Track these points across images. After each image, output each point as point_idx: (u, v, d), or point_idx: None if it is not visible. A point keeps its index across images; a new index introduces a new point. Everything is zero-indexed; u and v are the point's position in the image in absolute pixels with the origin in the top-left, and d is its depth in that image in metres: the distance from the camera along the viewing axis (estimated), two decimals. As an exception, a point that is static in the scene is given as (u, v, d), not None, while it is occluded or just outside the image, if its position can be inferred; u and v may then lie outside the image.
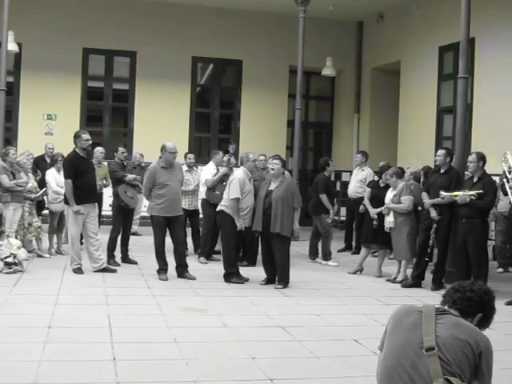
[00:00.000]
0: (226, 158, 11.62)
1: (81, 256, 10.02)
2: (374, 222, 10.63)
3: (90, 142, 10.13)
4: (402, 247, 10.28)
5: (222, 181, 11.43)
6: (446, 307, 3.55)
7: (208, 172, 11.56)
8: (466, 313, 3.50)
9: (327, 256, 11.82)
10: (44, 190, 11.32)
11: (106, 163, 12.25)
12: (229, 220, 9.72)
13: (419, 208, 10.59)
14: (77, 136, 10.03)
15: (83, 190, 9.80)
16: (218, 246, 11.90)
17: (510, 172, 9.27)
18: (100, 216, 11.70)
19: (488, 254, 9.75)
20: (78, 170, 9.83)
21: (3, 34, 13.04)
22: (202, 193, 11.62)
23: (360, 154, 13.85)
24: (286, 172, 12.06)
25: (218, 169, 11.65)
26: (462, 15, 9.99)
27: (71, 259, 9.99)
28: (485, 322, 3.57)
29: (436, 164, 10.22)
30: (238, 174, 9.87)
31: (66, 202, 9.95)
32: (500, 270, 11.53)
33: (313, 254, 12.10)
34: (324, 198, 11.66)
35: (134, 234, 13.99)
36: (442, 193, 9.40)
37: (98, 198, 10.58)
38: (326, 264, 11.67)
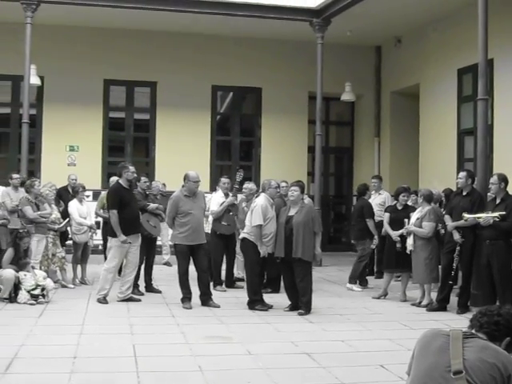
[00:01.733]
0: (232, 187, 11.63)
1: (111, 287, 10.06)
2: (398, 245, 10.59)
3: (135, 174, 10.28)
4: (420, 271, 10.22)
5: (228, 211, 11.44)
6: (473, 331, 3.53)
7: (216, 201, 11.46)
8: (494, 337, 3.48)
9: (353, 279, 11.79)
10: (67, 220, 11.41)
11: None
12: (252, 247, 9.72)
13: (442, 231, 10.52)
14: (124, 167, 10.15)
15: (128, 221, 9.88)
16: (241, 273, 11.92)
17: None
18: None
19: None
20: (122, 200, 9.91)
21: (26, 68, 13.27)
22: (210, 223, 11.53)
23: (377, 179, 13.89)
24: (308, 198, 12.12)
25: (226, 195, 11.61)
26: (480, 37, 9.99)
27: (100, 288, 10.00)
28: None
29: (458, 186, 10.17)
30: (260, 200, 9.87)
31: (111, 233, 9.99)
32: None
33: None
34: (371, 223, 11.68)
35: (166, 264, 14.05)
36: (465, 215, 9.35)
37: (139, 229, 10.58)
38: (351, 288, 11.62)
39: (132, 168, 10.15)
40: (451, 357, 3.34)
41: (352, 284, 11.74)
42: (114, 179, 11.39)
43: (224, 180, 11.82)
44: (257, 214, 9.64)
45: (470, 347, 3.36)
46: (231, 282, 11.63)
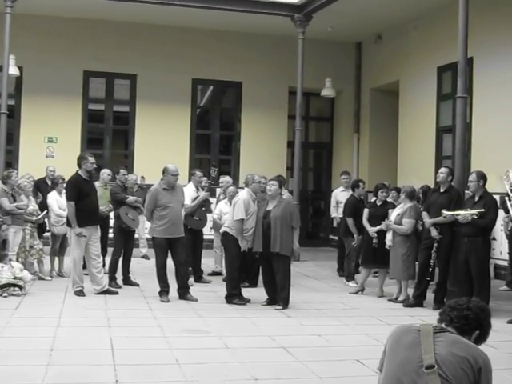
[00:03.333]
0: (206, 183, 11.64)
1: (83, 278, 10.01)
2: (374, 241, 10.65)
3: (95, 165, 10.20)
4: (397, 267, 10.28)
5: (201, 206, 11.43)
6: (443, 325, 3.56)
7: (188, 195, 11.18)
8: (464, 331, 3.51)
9: (349, 277, 11.87)
10: (45, 212, 11.34)
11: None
12: (233, 241, 9.73)
13: (420, 228, 10.58)
14: (83, 158, 10.06)
15: (85, 213, 9.80)
16: (219, 267, 11.93)
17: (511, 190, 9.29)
18: (107, 239, 11.73)
19: (490, 273, 9.75)
20: (80, 192, 9.83)
21: (5, 58, 13.15)
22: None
23: (347, 175, 13.80)
24: (287, 193, 12.13)
25: (197, 189, 11.61)
26: (460, 35, 10.04)
27: (73, 282, 9.98)
28: (482, 339, 3.58)
29: (438, 181, 10.21)
30: (243, 195, 9.87)
31: (69, 224, 9.96)
32: (504, 287, 11.53)
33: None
34: (350, 221, 11.67)
35: (144, 257, 14.01)
36: (445, 212, 9.40)
37: (100, 221, 10.52)
38: (347, 284, 11.68)
39: (91, 159, 10.01)
40: (423, 352, 3.37)
41: (348, 281, 11.81)
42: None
43: (199, 173, 11.80)
44: (239, 208, 9.64)
45: (440, 342, 3.39)
46: (199, 277, 11.55)
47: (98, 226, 10.35)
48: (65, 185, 10.77)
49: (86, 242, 9.90)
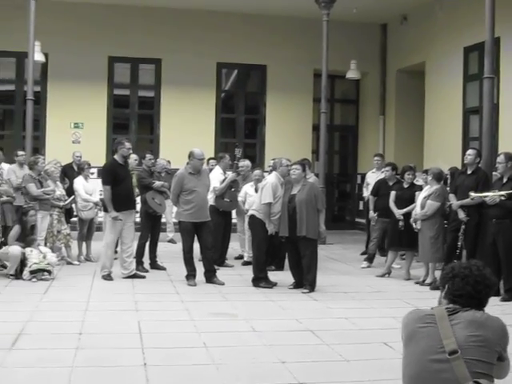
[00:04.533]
0: (233, 163, 11.68)
1: (112, 263, 10.10)
2: (400, 223, 10.61)
3: (131, 151, 10.27)
4: (426, 250, 10.23)
5: (230, 187, 11.45)
6: (456, 306, 3.51)
7: (216, 178, 11.33)
8: (476, 305, 3.49)
9: (366, 258, 12.07)
10: (72, 197, 11.43)
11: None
12: (260, 225, 9.72)
13: (447, 210, 10.51)
14: (119, 143, 10.12)
15: (121, 197, 9.87)
16: (246, 251, 11.94)
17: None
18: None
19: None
20: (116, 176, 9.89)
21: (30, 45, 13.20)
22: (211, 199, 11.14)
23: (379, 157, 13.96)
24: (314, 176, 12.13)
25: (225, 173, 11.65)
26: (487, 15, 9.92)
27: (102, 266, 10.06)
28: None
29: (465, 163, 10.13)
30: (271, 178, 9.85)
31: (105, 209, 10.02)
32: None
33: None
34: (370, 199, 11.97)
35: (171, 241, 14.07)
36: (472, 194, 9.32)
37: (135, 205, 10.58)
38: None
39: (128, 144, 10.08)
40: (442, 337, 3.34)
41: (365, 260, 12.04)
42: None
43: (228, 157, 11.86)
44: (267, 191, 9.63)
45: (457, 324, 3.37)
46: (222, 261, 11.50)
47: (133, 211, 10.37)
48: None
49: (121, 227, 9.97)
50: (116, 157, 10.09)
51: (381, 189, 11.76)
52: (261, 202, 9.69)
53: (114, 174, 9.90)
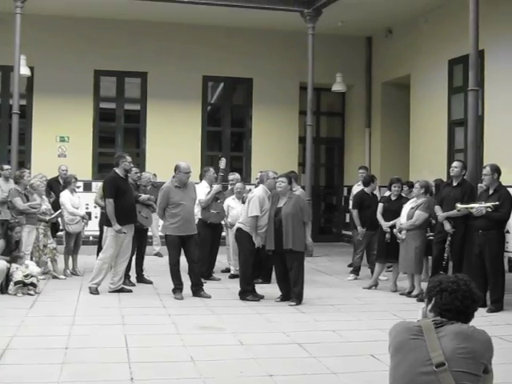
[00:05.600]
0: (217, 175, 11.68)
1: (105, 276, 10.05)
2: (387, 236, 10.63)
3: (132, 164, 10.35)
4: (409, 261, 10.25)
5: (216, 198, 11.46)
6: (442, 319, 3.51)
7: (201, 191, 11.31)
8: (463, 319, 3.49)
9: (352, 271, 12.02)
10: (59, 211, 11.38)
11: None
12: (246, 237, 9.71)
13: (433, 222, 10.55)
14: (121, 157, 10.12)
15: (124, 210, 9.85)
16: (231, 266, 11.92)
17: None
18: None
19: (504, 266, 9.69)
20: (118, 190, 9.87)
21: (16, 58, 13.19)
22: (198, 213, 11.24)
23: (364, 170, 14.10)
24: (300, 189, 12.14)
25: (211, 186, 11.63)
26: (471, 27, 10.00)
27: (94, 277, 9.95)
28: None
29: (451, 175, 10.18)
30: (258, 191, 9.84)
31: (108, 223, 9.98)
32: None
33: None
34: (354, 213, 11.88)
35: (157, 255, 14.04)
36: (458, 205, 9.37)
37: (136, 219, 10.53)
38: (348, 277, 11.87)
39: (129, 158, 10.12)
40: (429, 349, 3.34)
41: (351, 273, 12.03)
42: None
43: (212, 170, 11.87)
44: (254, 204, 9.62)
45: (444, 336, 3.37)
46: (209, 275, 11.45)
47: (133, 225, 10.29)
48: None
49: (122, 241, 9.94)
50: (117, 170, 10.07)
51: (364, 200, 11.83)
52: (247, 215, 9.68)
53: (116, 187, 9.89)
